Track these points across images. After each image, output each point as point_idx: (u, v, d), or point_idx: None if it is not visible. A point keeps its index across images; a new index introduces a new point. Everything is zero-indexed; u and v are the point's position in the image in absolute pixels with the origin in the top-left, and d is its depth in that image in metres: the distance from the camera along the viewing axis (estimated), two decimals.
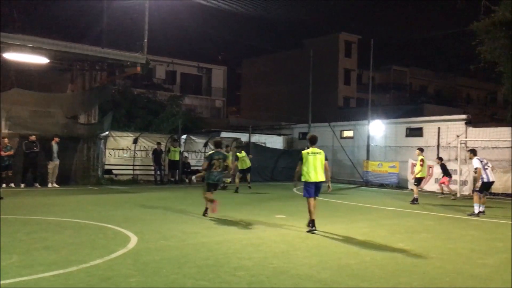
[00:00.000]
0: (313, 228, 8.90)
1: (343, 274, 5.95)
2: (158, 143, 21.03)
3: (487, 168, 12.37)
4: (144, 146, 22.03)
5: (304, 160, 9.15)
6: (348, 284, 5.49)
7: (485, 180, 12.20)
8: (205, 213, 10.54)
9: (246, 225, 9.68)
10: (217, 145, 11.29)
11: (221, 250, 7.10)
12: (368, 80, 29.08)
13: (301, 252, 7.14)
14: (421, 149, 16.10)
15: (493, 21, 18.71)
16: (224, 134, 25.47)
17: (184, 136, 23.18)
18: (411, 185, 20.86)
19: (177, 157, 21.12)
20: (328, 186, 9.77)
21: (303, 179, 9.17)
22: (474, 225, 10.65)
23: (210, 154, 10.81)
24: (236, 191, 17.46)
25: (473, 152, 12.91)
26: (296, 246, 7.61)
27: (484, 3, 19.23)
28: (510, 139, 18.92)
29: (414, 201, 15.25)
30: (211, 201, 10.41)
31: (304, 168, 9.11)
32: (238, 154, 18.77)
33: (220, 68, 49.70)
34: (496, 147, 19.33)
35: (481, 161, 12.40)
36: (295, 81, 44.16)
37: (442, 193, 18.35)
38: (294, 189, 19.11)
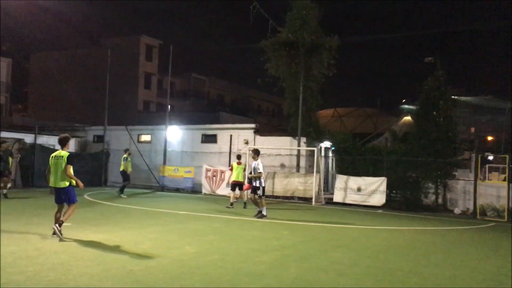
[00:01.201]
0: (59, 230, 8.38)
1: (127, 281, 5.79)
2: None
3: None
4: None
5: (49, 164, 8.76)
6: None
7: (263, 185, 13.16)
8: None
9: (23, 235, 8.70)
10: None
11: None
12: (168, 86, 29.38)
13: (83, 262, 6.72)
14: (238, 156, 16.74)
15: (279, 41, 20.83)
16: (4, 134, 22.62)
17: None
18: (204, 189, 21.74)
19: None
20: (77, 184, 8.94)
21: None
22: (256, 226, 11.58)
23: None
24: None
25: (257, 152, 13.38)
26: (78, 255, 7.14)
27: (271, 23, 21.30)
28: (290, 147, 21.29)
29: (230, 205, 15.75)
30: None
31: None
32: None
33: (4, 60, 44.13)
34: (278, 154, 21.48)
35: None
36: (92, 81, 42.01)
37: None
38: (86, 195, 18.09)
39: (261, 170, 12.96)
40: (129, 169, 18.93)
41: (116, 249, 7.83)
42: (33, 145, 21.70)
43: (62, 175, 8.54)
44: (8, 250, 7.32)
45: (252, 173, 13.11)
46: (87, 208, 14.13)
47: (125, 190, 18.91)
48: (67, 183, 8.59)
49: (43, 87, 48.27)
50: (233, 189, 16.14)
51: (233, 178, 16.18)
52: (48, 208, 13.62)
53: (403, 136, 22.53)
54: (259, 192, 12.89)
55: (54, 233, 8.35)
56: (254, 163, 13.09)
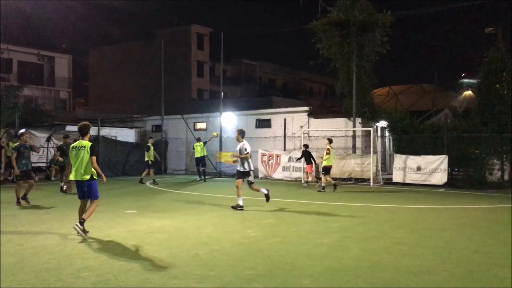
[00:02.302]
0: (81, 229, 7.68)
1: (192, 264, 6.02)
2: None
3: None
4: None
5: (69, 155, 8.16)
6: (196, 273, 5.58)
7: (252, 168, 11.79)
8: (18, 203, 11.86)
9: (94, 223, 9.19)
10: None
11: (64, 252, 6.67)
12: (220, 73, 29.73)
13: (151, 247, 7.04)
14: (330, 140, 16.61)
15: (329, 21, 20.47)
16: (69, 128, 23.82)
17: (23, 130, 21.11)
18: (261, 173, 21.93)
19: None
20: (102, 178, 8.43)
21: None
22: (314, 209, 11.60)
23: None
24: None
25: (242, 133, 11.75)
26: (146, 241, 7.48)
27: (321, 3, 20.96)
28: (345, 129, 21.02)
29: (322, 189, 15.80)
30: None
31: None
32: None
33: (65, 57, 46.21)
34: (333, 136, 21.23)
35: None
36: (148, 73, 43.22)
37: (307, 182, 19.11)
38: (148, 183, 18.80)
39: (248, 150, 11.44)
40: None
41: (180, 234, 8.13)
42: (97, 137, 22.72)
43: (86, 167, 7.85)
44: (79, 238, 7.79)
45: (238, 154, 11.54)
46: (150, 196, 14.71)
47: (185, 177, 19.57)
48: (88, 176, 7.89)
49: (102, 81, 50.22)
50: (327, 173, 16.14)
51: (328, 163, 16.08)
52: (117, 196, 14.30)
53: (464, 111, 21.61)
54: (250, 178, 11.69)
55: (78, 232, 7.66)
56: (239, 144, 11.60)
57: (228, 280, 5.35)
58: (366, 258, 6.42)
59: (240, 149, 11.52)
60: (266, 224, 9.26)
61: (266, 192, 11.71)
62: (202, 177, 20.43)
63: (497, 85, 17.55)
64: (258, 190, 11.78)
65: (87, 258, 6.33)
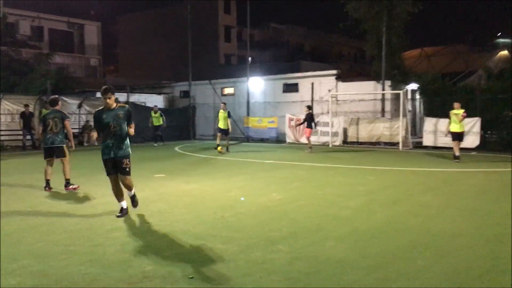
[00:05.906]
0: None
1: (218, 226, 6.12)
2: (26, 106, 19.40)
3: None
4: (9, 109, 20.17)
5: None
6: (222, 235, 5.67)
7: None
8: (46, 187, 9.01)
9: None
10: (53, 103, 9.41)
11: (95, 214, 6.87)
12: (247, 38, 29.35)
13: (178, 209, 7.18)
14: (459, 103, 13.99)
15: None
16: (100, 94, 24.22)
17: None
18: (288, 138, 21.88)
19: None
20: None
21: None
22: (341, 173, 11.55)
23: (44, 114, 9.44)
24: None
25: None
26: (173, 204, 7.63)
27: None
28: (374, 92, 20.62)
29: (455, 158, 13.78)
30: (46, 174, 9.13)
31: None
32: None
33: (94, 24, 46.45)
34: (362, 100, 20.93)
35: None
36: (175, 38, 43.04)
37: (310, 148, 17.13)
38: (176, 148, 19.05)
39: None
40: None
41: (207, 197, 8.24)
42: (126, 103, 23.01)
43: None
44: (110, 200, 7.96)
45: None
46: (178, 160, 14.93)
47: (213, 142, 19.68)
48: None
49: (132, 48, 50.40)
50: (456, 138, 13.79)
51: (456, 129, 13.67)
52: (146, 161, 14.55)
53: (499, 72, 20.82)
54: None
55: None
56: None
57: (253, 241, 5.41)
58: (392, 221, 6.38)
59: None
60: (292, 188, 9.28)
61: None
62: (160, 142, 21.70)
63: None
64: None
65: (117, 220, 6.51)
